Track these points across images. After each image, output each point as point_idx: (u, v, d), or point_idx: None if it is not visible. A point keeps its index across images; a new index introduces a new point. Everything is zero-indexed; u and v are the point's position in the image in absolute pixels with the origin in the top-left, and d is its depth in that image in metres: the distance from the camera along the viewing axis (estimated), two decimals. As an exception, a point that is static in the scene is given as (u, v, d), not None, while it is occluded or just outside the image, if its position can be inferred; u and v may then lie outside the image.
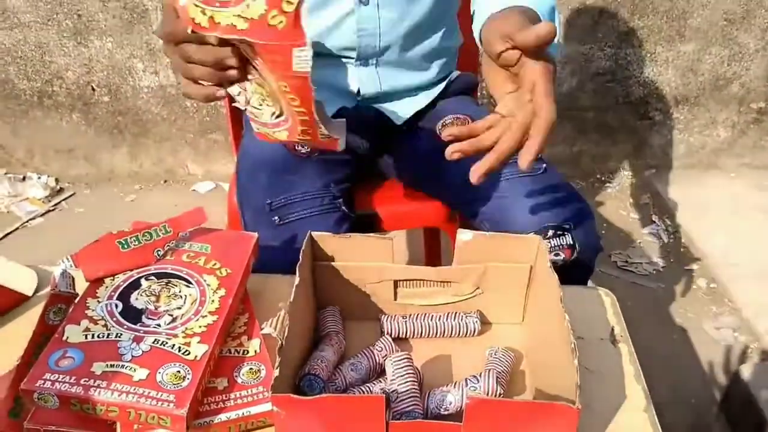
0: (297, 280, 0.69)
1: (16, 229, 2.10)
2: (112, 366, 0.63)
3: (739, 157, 2.41)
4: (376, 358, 0.73)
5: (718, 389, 1.50)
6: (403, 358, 0.67)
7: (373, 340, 0.75)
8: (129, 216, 2.14)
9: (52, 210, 2.21)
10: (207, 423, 0.63)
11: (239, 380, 0.67)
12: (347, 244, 0.78)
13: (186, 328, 0.68)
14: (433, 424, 0.59)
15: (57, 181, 2.33)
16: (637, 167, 2.41)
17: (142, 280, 0.74)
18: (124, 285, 0.73)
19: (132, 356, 0.64)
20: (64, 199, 2.26)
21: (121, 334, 0.67)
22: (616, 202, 2.27)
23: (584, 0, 2.09)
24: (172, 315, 0.70)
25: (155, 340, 0.66)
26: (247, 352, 0.70)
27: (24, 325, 0.80)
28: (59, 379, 0.61)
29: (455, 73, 1.23)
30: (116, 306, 0.70)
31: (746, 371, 1.34)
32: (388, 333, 0.78)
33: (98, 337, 0.66)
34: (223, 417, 0.63)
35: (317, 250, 0.78)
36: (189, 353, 0.65)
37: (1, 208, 2.19)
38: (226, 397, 0.65)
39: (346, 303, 0.81)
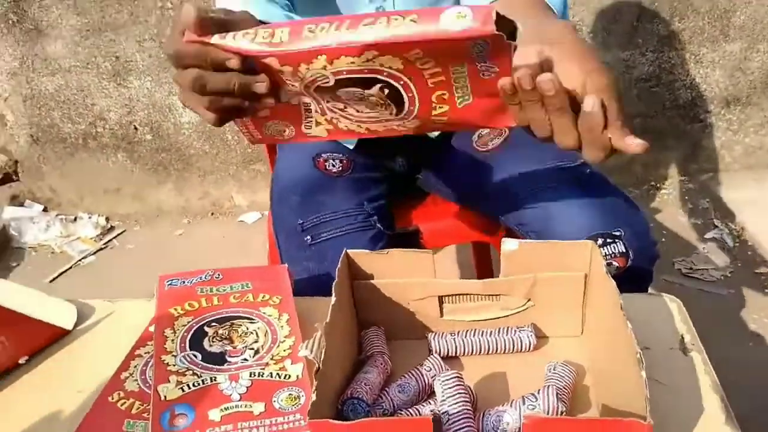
0: (333, 299, 0.65)
1: (69, 268, 2.12)
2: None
3: (800, 155, 2.29)
4: (425, 378, 0.68)
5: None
6: (453, 377, 0.62)
7: (421, 359, 0.71)
8: (179, 249, 2.18)
9: (104, 248, 2.23)
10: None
11: (276, 406, 0.63)
12: (386, 260, 0.74)
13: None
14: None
15: (107, 219, 2.37)
16: (693, 171, 2.32)
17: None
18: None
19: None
20: (114, 237, 2.28)
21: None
22: (673, 209, 2.18)
23: (620, 5, 2.02)
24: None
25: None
26: (289, 376, 0.67)
27: (63, 360, 0.80)
28: None
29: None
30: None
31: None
32: (436, 351, 0.74)
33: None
34: None
35: (355, 268, 0.75)
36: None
37: (54, 248, 2.22)
38: (260, 423, 0.61)
39: (389, 322, 0.77)
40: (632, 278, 0.90)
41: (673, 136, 2.26)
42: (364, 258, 0.74)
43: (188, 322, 0.74)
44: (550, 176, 0.98)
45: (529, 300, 0.75)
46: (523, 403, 0.62)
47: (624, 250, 0.89)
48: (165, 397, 0.64)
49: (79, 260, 2.16)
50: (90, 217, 2.35)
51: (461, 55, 0.57)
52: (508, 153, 1.05)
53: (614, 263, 0.89)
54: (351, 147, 1.10)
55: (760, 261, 1.90)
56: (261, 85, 0.61)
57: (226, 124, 0.67)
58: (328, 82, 0.61)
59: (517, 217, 1.01)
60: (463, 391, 0.62)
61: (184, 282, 0.80)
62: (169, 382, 0.65)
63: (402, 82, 0.61)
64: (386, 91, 0.62)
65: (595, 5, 2.03)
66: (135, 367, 0.73)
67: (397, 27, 0.56)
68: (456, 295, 0.75)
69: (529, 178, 0.99)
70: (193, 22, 0.57)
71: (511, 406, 0.62)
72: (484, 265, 1.46)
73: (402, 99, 0.63)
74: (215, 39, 0.59)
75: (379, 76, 0.60)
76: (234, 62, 0.59)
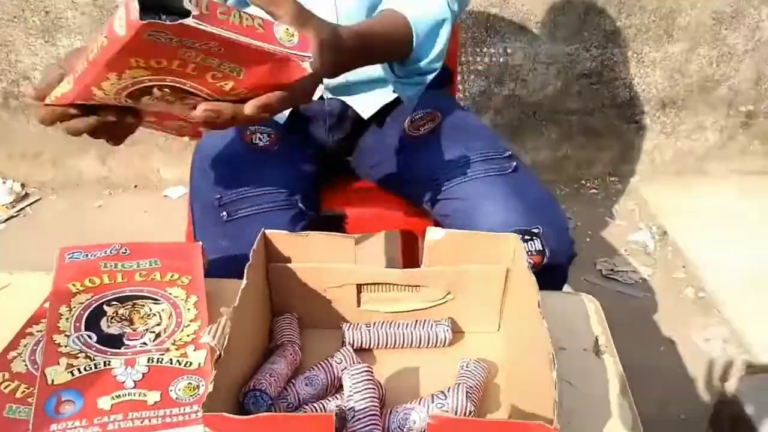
0: (244, 282, 0.61)
1: (-25, 235, 2.00)
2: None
3: (727, 162, 2.35)
4: (335, 371, 0.65)
5: (708, 404, 1.43)
6: (363, 371, 0.60)
7: (334, 351, 0.68)
8: (96, 222, 2.08)
9: (16, 216, 2.11)
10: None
11: (173, 395, 0.59)
12: (305, 243, 0.71)
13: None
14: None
15: (23, 186, 2.23)
16: (624, 172, 2.35)
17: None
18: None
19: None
20: (28, 205, 2.16)
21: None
22: (601, 209, 2.20)
23: (569, -2, 2.03)
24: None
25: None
26: (190, 364, 0.63)
27: None
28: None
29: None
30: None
31: (736, 384, 1.27)
32: (349, 343, 0.71)
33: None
34: None
35: (272, 250, 0.71)
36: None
37: (-38, 214, 2.09)
38: (154, 413, 0.57)
39: (304, 309, 0.74)
40: (548, 277, 0.90)
41: (607, 136, 2.28)
42: (283, 239, 0.71)
43: (86, 300, 0.69)
44: (475, 167, 0.96)
45: (449, 293, 0.73)
46: (432, 402, 0.60)
47: (540, 248, 0.88)
48: (52, 381, 0.59)
49: (-13, 228, 2.04)
50: (4, 182, 2.21)
51: (159, 47, 0.54)
52: (438, 139, 1.03)
53: (530, 260, 0.88)
54: (282, 122, 1.06)
55: (678, 265, 1.93)
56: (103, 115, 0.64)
57: None
58: (128, 102, 0.63)
59: (439, 207, 1.00)
60: (371, 386, 0.59)
61: (87, 255, 0.75)
62: (58, 364, 0.61)
63: (169, 79, 0.59)
64: (166, 89, 0.61)
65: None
66: (24, 346, 0.67)
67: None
68: (375, 284, 0.73)
69: (455, 167, 0.97)
70: (34, 96, 0.65)
71: (419, 404, 0.60)
72: (410, 254, 1.43)
73: (188, 90, 0.62)
74: (48, 100, 0.65)
75: (146, 85, 0.59)
76: (72, 111, 0.64)
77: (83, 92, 0.60)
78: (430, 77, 0.90)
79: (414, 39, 0.83)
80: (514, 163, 0.97)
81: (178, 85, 0.60)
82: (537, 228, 0.88)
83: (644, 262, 1.94)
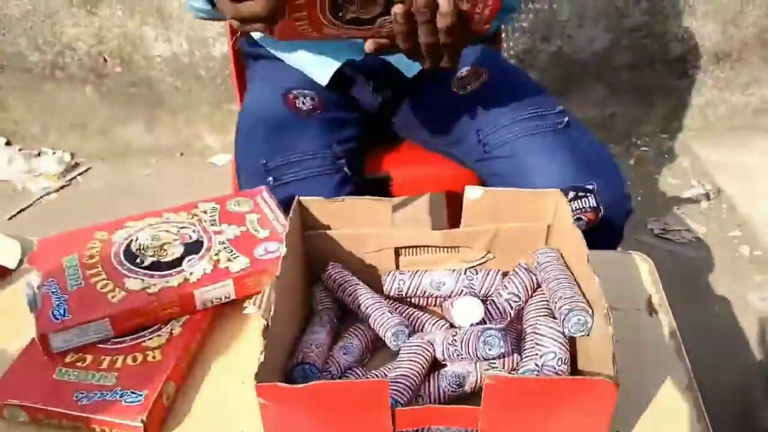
0: (284, 251, 0.60)
1: (30, 205, 2.04)
2: None
3: (784, 117, 2.25)
4: (367, 335, 0.65)
5: (764, 365, 1.39)
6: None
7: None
8: (145, 190, 2.11)
9: (67, 185, 2.15)
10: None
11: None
12: (340, 209, 0.70)
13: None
14: (445, 409, 0.52)
15: (72, 156, 2.27)
16: (676, 129, 2.27)
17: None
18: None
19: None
20: (78, 174, 2.20)
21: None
22: (653, 167, 2.14)
23: (617, -50, 1.95)
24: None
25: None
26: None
27: (5, 300, 0.75)
28: None
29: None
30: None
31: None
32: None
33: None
34: None
35: (308, 217, 0.70)
36: None
37: (16, 185, 2.14)
38: None
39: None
40: (602, 235, 0.87)
41: (659, 92, 2.21)
42: (318, 206, 0.70)
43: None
44: (525, 123, 0.93)
45: (488, 252, 0.71)
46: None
47: (595, 205, 0.85)
48: None
49: (40, 197, 2.08)
50: (54, 153, 2.25)
51: None
52: (486, 97, 1.00)
53: (584, 218, 0.85)
54: (324, 84, 1.04)
55: (733, 224, 1.87)
56: None
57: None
58: None
59: (488, 166, 0.97)
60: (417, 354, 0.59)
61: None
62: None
63: None
64: None
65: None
66: None
67: None
68: (413, 247, 0.72)
69: (503, 124, 0.95)
70: None
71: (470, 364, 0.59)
72: (456, 216, 1.41)
73: None
74: None
75: None
76: None
77: None
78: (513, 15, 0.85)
79: None
80: (566, 119, 0.93)
81: None
82: (591, 184, 0.85)
83: (698, 221, 1.88)
